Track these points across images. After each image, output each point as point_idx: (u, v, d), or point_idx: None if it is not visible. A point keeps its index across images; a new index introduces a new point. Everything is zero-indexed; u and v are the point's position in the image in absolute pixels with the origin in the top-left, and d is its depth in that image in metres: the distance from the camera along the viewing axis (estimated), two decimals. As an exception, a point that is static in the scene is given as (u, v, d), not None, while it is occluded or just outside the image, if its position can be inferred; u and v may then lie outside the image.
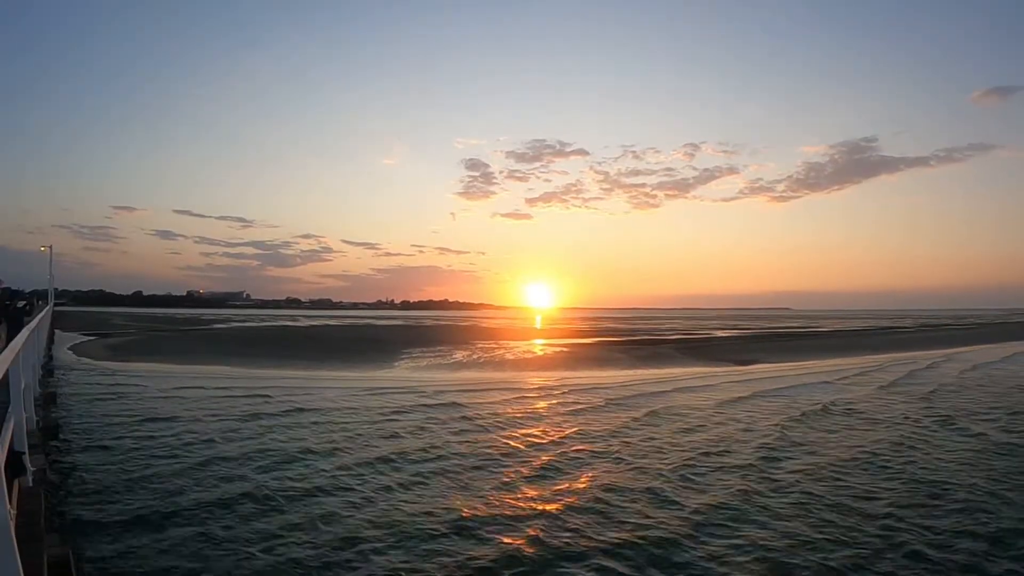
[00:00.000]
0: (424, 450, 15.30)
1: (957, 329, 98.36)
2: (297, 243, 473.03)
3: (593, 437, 17.03)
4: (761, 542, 9.46)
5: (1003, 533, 9.75)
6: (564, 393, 25.94)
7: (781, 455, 15.06)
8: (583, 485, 12.54)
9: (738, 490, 12.10)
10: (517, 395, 25.35)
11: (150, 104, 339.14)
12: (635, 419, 19.57)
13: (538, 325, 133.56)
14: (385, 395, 24.87)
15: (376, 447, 15.65)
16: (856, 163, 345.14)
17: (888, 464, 14.16)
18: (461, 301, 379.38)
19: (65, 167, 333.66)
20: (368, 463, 14.03)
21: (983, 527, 10.03)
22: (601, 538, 9.62)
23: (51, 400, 18.38)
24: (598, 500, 11.46)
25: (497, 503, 11.30)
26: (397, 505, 11.13)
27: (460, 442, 16.27)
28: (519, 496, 11.78)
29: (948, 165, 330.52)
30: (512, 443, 16.22)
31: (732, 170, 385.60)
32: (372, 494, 11.77)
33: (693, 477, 13.11)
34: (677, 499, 11.59)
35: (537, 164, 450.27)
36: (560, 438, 16.92)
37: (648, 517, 10.54)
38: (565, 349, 60.08)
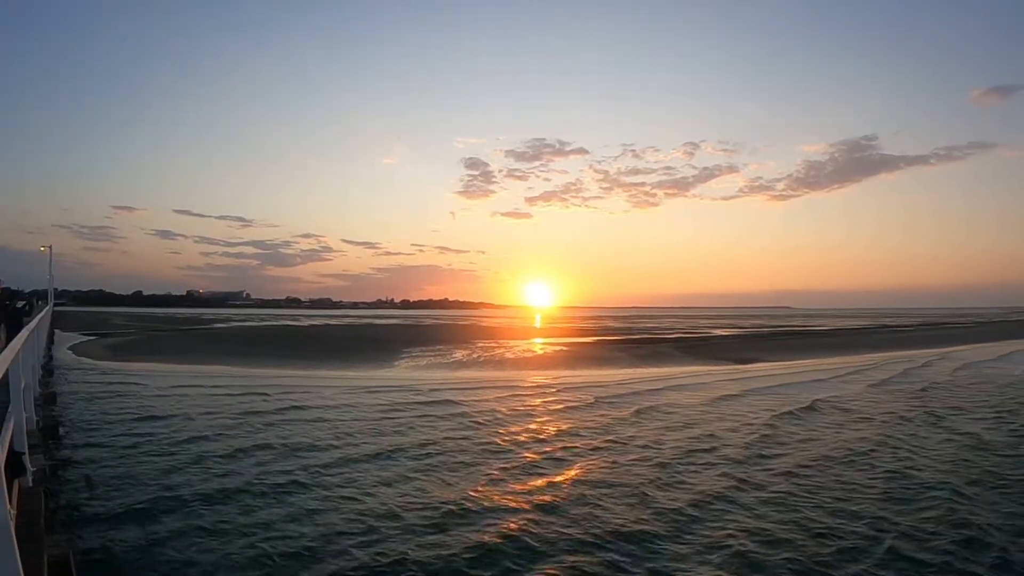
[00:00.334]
0: (414, 447, 15.54)
1: (956, 328, 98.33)
2: (297, 243, 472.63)
3: (581, 435, 17.24)
4: (732, 538, 9.56)
5: (976, 532, 9.84)
6: (559, 391, 26.04)
7: (764, 452, 15.26)
8: (561, 480, 12.77)
9: (716, 486, 12.31)
10: (513, 393, 25.45)
11: (150, 104, 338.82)
12: (625, 417, 19.74)
13: (538, 324, 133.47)
14: (382, 394, 24.97)
15: (369, 444, 15.86)
16: (856, 162, 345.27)
17: (867, 460, 14.35)
18: (461, 300, 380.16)
19: (65, 167, 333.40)
20: (358, 460, 14.29)
21: (957, 526, 10.11)
22: (569, 531, 9.83)
23: (51, 400, 18.42)
24: (576, 496, 11.62)
25: (475, 498, 11.46)
26: (383, 500, 11.32)
27: (448, 439, 16.46)
28: (498, 492, 11.94)
29: (948, 164, 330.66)
30: (500, 441, 16.41)
31: (732, 169, 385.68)
32: (358, 489, 11.99)
33: (674, 473, 13.28)
34: (653, 494, 11.77)
35: (537, 163, 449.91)
36: (549, 436, 17.09)
37: (620, 514, 10.64)
38: (564, 348, 60.08)
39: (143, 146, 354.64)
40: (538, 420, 19.55)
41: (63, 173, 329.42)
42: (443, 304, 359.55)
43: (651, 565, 8.72)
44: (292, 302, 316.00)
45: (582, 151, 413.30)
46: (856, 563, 8.74)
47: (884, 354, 47.56)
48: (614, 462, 14.18)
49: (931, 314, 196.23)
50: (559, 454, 15.03)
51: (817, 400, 22.72)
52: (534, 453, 15.07)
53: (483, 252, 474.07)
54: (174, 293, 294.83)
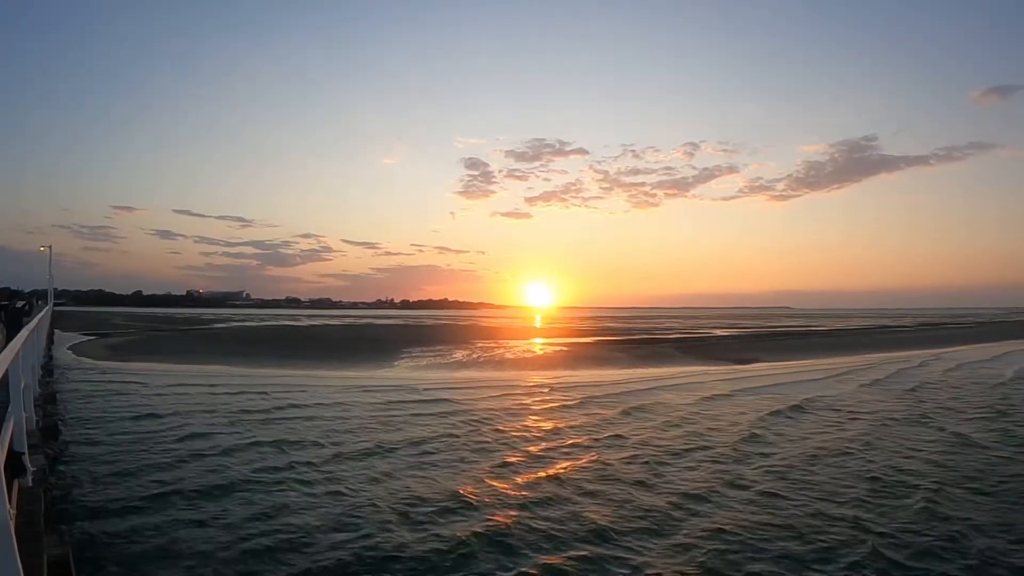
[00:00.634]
0: (405, 444, 15.83)
1: (956, 328, 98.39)
2: (297, 243, 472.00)
3: (570, 433, 17.45)
4: (709, 537, 9.65)
5: (952, 531, 9.89)
6: (555, 391, 26.14)
7: (749, 450, 15.48)
8: (542, 478, 12.94)
9: (698, 483, 12.54)
10: (509, 393, 25.52)
11: (150, 104, 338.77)
12: (616, 416, 19.89)
13: (538, 324, 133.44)
14: (379, 393, 25.08)
15: (362, 442, 16.10)
16: (856, 162, 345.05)
17: (850, 459, 14.50)
18: (461, 300, 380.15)
19: (65, 167, 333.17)
20: (348, 456, 14.62)
21: (932, 525, 10.18)
22: (543, 528, 9.98)
23: (51, 400, 18.43)
24: (555, 495, 11.74)
25: (454, 494, 11.68)
26: (367, 495, 11.58)
27: (439, 437, 16.70)
28: (479, 489, 12.13)
29: (948, 164, 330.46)
30: (490, 440, 16.59)
31: (732, 169, 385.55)
32: (343, 485, 12.33)
33: (659, 472, 13.43)
34: (633, 493, 11.88)
35: (537, 163, 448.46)
36: (537, 435, 17.29)
37: (596, 512, 10.75)
38: (564, 348, 60.09)
39: (143, 146, 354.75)
40: (529, 419, 19.66)
41: (63, 173, 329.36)
42: (443, 304, 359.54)
43: (625, 563, 8.79)
44: (292, 302, 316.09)
45: (582, 151, 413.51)
46: (833, 563, 8.79)
47: (882, 354, 47.66)
48: (599, 461, 14.32)
49: (930, 314, 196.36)
50: (545, 453, 15.18)
51: (809, 399, 22.98)
52: (520, 452, 15.23)
53: (483, 252, 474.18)
54: (174, 293, 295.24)
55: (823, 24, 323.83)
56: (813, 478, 12.97)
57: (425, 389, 26.42)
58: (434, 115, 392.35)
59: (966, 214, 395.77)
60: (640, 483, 12.57)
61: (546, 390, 26.67)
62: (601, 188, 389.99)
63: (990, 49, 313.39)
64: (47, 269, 54.08)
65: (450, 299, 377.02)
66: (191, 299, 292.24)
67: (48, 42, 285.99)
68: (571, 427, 18.33)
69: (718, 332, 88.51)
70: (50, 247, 53.61)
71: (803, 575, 8.46)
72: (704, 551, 9.08)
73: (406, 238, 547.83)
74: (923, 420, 19.28)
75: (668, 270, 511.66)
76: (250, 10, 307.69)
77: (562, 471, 13.43)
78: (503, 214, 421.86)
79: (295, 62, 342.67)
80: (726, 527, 10.02)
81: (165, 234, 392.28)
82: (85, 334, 66.86)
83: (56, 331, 51.90)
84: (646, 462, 14.13)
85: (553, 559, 8.87)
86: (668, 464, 14.07)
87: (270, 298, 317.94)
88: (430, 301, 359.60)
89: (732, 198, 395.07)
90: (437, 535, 9.63)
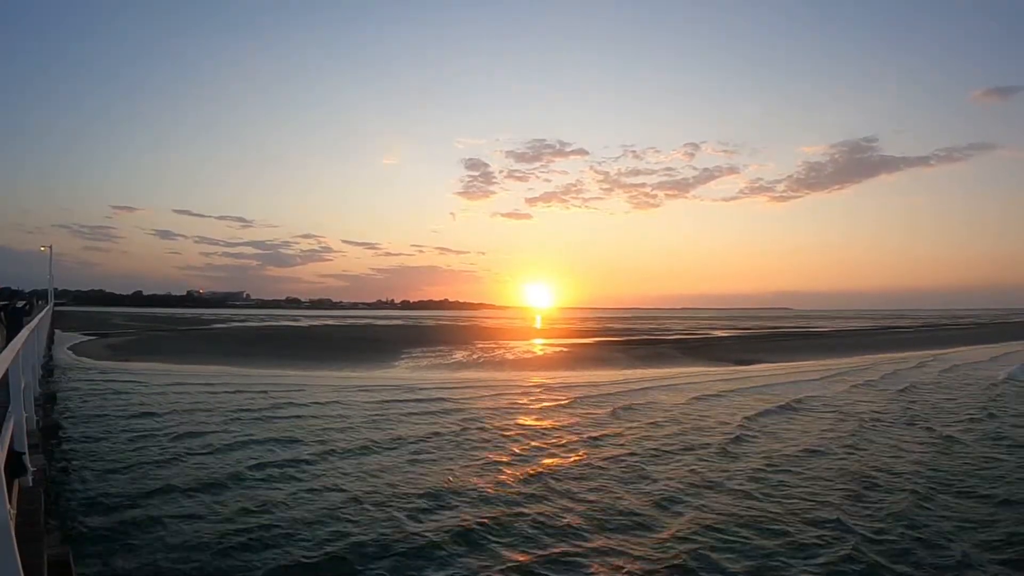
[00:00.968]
0: (394, 442, 16.27)
1: (956, 329, 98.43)
2: (297, 243, 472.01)
3: (560, 433, 17.73)
4: (687, 533, 9.83)
5: (927, 533, 9.95)
6: (551, 391, 26.26)
7: (733, 449, 15.71)
8: (527, 475, 13.22)
9: (677, 479, 12.85)
10: (505, 394, 25.63)
11: (150, 104, 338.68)
12: (606, 417, 20.04)
13: (538, 325, 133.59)
14: (377, 393, 25.23)
15: (355, 440, 16.41)
16: (856, 163, 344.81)
17: (834, 458, 14.68)
18: (461, 301, 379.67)
19: (65, 167, 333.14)
20: (340, 454, 15.04)
21: (910, 525, 10.26)
22: (519, 526, 10.21)
23: (51, 400, 18.46)
24: (537, 493, 11.99)
25: (437, 491, 11.97)
26: (353, 490, 11.89)
27: (427, 436, 16.98)
28: (458, 484, 12.51)
29: (948, 165, 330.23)
30: (477, 439, 16.86)
31: (732, 170, 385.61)
32: (329, 480, 12.77)
33: (642, 470, 13.68)
34: (615, 490, 12.11)
35: (537, 164, 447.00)
36: (526, 433, 17.57)
37: (575, 512, 10.90)
38: (564, 349, 60.17)
39: (143, 146, 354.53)
40: (521, 419, 19.84)
41: (63, 173, 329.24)
42: (443, 305, 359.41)
43: (593, 558, 8.94)
44: (292, 302, 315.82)
45: (582, 152, 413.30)
46: (811, 559, 8.86)
47: (881, 355, 47.79)
48: (581, 460, 14.55)
49: (932, 315, 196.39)
50: (532, 452, 15.41)
51: (799, 399, 23.33)
52: (506, 451, 15.50)
53: (483, 253, 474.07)
54: (174, 293, 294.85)
55: (823, 24, 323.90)
56: (793, 476, 13.14)
57: (422, 389, 26.60)
58: (434, 115, 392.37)
59: (967, 215, 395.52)
60: (625, 480, 12.86)
61: (542, 390, 26.80)
62: (601, 189, 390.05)
63: (990, 49, 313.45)
64: (47, 269, 54.02)
65: (450, 300, 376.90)
66: (191, 299, 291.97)
67: (48, 42, 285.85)
68: (560, 427, 18.51)
69: (719, 333, 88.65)
70: (50, 247, 53.54)
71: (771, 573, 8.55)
72: (675, 549, 9.22)
73: (406, 238, 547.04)
74: (910, 420, 19.47)
75: (669, 271, 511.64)
76: (250, 10, 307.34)
77: (543, 469, 13.66)
78: (503, 215, 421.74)
79: (295, 62, 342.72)
80: (700, 524, 10.21)
81: (165, 234, 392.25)
82: (85, 334, 66.90)
83: (56, 331, 51.87)
84: (632, 462, 14.27)
85: (519, 555, 9.04)
86: (650, 462, 14.28)
87: (270, 298, 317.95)
88: (430, 302, 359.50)
89: (733, 199, 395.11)
90: (412, 532, 9.86)
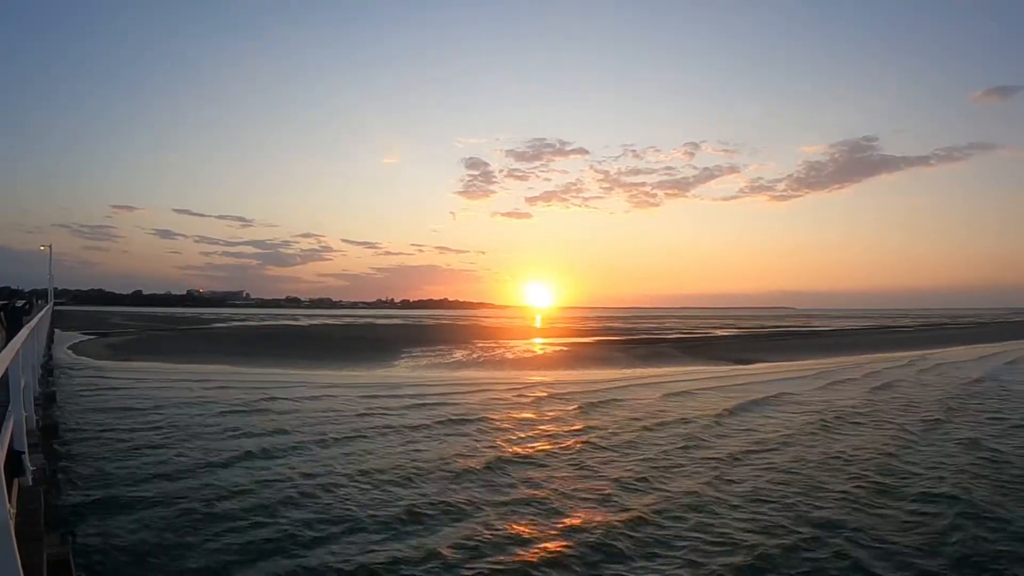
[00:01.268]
0: (375, 431, 17.24)
1: (955, 329, 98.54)
2: (297, 242, 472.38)
3: (539, 426, 18.49)
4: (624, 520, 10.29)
5: (863, 526, 10.11)
6: (544, 388, 26.55)
7: (698, 440, 16.49)
8: (490, 466, 13.77)
9: (633, 468, 13.54)
10: (500, 393, 25.87)
11: (150, 104, 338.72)
12: (581, 412, 20.72)
13: (538, 325, 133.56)
14: (373, 390, 25.37)
15: (343, 435, 16.90)
16: (856, 162, 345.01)
17: (772, 455, 14.95)
18: (461, 300, 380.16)
19: (65, 167, 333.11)
20: (332, 441, 16.06)
21: (846, 520, 10.42)
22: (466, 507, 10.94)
23: (51, 399, 18.49)
24: (506, 483, 12.57)
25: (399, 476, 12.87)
26: (323, 479, 12.64)
27: (418, 427, 17.81)
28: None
29: (949, 164, 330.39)
30: (460, 430, 17.67)
31: (732, 169, 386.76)
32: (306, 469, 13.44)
33: (592, 455, 14.72)
34: (576, 485, 12.52)
35: (537, 163, 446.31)
36: (509, 428, 18.23)
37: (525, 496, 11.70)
38: (563, 348, 60.23)
39: (143, 146, 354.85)
40: (512, 415, 20.37)
41: (63, 173, 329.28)
42: (443, 304, 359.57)
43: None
44: (292, 302, 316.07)
45: (582, 151, 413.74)
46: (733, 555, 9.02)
47: (874, 355, 47.96)
48: (548, 451, 15.26)
49: (932, 315, 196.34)
50: (507, 445, 15.95)
51: (779, 395, 24.36)
52: (489, 441, 16.35)
53: (483, 252, 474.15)
54: (174, 293, 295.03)
55: (823, 24, 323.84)
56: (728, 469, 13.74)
57: (419, 387, 26.94)
58: (434, 115, 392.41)
59: (967, 214, 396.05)
60: (575, 467, 13.81)
61: (536, 388, 27.13)
62: (602, 188, 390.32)
63: (991, 49, 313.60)
64: (47, 268, 54.05)
65: (450, 299, 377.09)
66: (191, 299, 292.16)
67: (48, 42, 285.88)
68: (540, 421, 19.33)
69: (719, 332, 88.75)
70: (50, 246, 53.62)
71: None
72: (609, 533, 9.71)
73: (406, 238, 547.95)
74: (871, 416, 19.97)
75: (669, 270, 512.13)
76: (250, 10, 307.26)
77: (506, 459, 14.42)
78: (503, 214, 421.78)
79: (295, 61, 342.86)
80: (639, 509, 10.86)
81: (165, 233, 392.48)
82: (85, 333, 66.93)
83: (56, 330, 51.93)
84: (584, 450, 15.30)
85: (460, 532, 9.79)
86: (602, 452, 15.16)
87: (270, 298, 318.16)
88: (430, 301, 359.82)
89: (732, 198, 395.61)
90: (374, 514, 10.63)
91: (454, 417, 19.39)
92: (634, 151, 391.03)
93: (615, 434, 17.11)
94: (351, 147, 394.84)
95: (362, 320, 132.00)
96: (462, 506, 11.06)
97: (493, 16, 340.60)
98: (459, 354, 52.43)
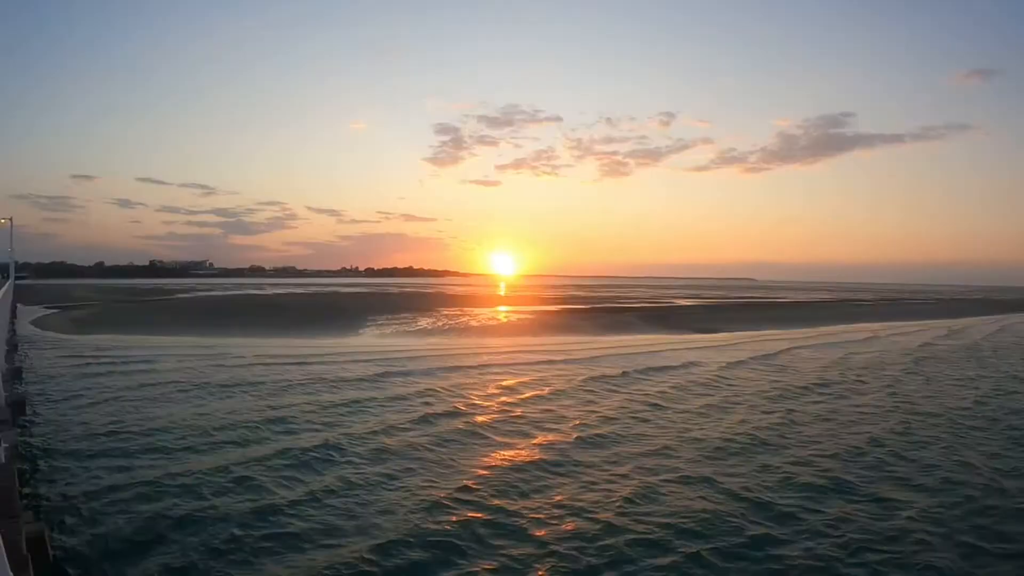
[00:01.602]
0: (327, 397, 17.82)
1: (911, 304, 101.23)
2: (261, 210, 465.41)
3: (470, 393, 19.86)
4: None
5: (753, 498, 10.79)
6: (497, 356, 27.38)
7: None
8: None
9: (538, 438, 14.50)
10: (460, 360, 27.18)
11: (108, 69, 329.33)
12: (525, 381, 22.15)
13: (502, 293, 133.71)
14: (340, 358, 25.82)
15: (298, 404, 17.95)
16: (830, 138, 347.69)
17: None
18: (426, 268, 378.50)
19: (21, 135, 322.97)
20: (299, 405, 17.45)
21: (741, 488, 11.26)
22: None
23: (17, 375, 18.67)
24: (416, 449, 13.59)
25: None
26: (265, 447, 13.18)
27: (363, 393, 19.37)
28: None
29: (923, 143, 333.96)
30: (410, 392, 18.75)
31: (706, 140, 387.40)
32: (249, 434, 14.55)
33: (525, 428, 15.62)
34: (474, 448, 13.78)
35: (508, 129, 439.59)
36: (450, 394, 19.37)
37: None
38: (528, 316, 60.86)
39: (100, 113, 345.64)
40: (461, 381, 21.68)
41: (19, 142, 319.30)
42: (408, 272, 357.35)
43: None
44: (256, 271, 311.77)
45: (556, 119, 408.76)
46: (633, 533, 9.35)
47: (830, 327, 50.14)
48: (453, 410, 17.21)
49: (892, 290, 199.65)
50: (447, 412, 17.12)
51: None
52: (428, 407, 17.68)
53: (450, 220, 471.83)
54: (136, 263, 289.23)
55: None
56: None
57: (384, 354, 28.11)
58: (404, 80, 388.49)
59: (937, 193, 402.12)
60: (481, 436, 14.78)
61: (491, 356, 28.50)
62: (573, 156, 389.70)
63: (974, 31, 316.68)
64: (8, 243, 52.70)
65: (415, 267, 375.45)
66: (154, 269, 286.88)
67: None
68: (469, 386, 21.00)
69: (681, 302, 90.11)
70: (11, 219, 52.09)
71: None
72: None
73: (372, 206, 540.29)
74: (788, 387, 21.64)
75: (637, 239, 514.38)
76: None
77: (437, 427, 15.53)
78: (472, 181, 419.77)
79: (259, 24, 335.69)
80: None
81: (125, 203, 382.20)
82: (48, 307, 65.84)
83: (18, 305, 51.18)
84: (508, 411, 17.14)
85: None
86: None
87: (234, 267, 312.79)
88: (395, 269, 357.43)
89: (703, 168, 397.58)
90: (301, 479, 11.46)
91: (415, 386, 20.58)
92: (609, 119, 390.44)
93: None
94: (317, 113, 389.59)
95: (327, 289, 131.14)
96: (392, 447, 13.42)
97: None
98: (424, 322, 52.83)
